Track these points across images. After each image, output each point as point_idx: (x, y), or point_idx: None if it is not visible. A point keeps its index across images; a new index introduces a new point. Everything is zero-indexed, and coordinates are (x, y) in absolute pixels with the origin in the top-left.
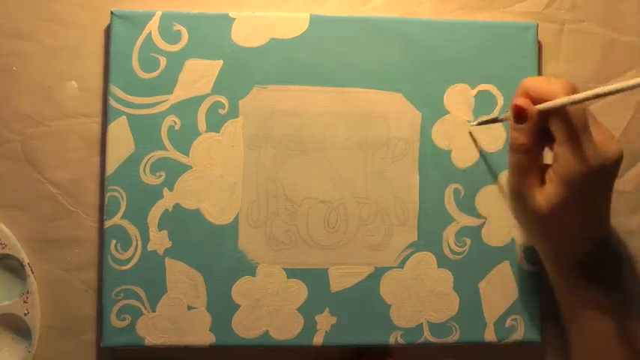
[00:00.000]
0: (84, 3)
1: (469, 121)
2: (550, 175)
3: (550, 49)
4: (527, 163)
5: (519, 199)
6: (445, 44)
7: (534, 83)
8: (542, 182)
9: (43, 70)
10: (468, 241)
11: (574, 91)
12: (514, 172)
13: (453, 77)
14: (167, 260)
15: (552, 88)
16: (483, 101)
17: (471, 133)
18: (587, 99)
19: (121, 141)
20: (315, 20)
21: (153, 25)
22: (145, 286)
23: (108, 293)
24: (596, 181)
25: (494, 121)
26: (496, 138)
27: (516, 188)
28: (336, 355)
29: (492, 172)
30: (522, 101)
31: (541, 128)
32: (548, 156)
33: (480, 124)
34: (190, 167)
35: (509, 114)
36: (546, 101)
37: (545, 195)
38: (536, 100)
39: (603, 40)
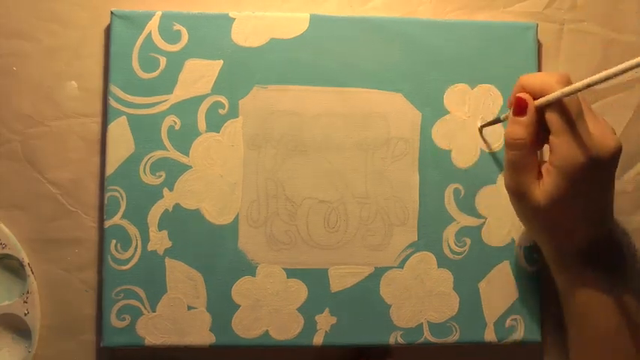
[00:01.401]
0: (84, 3)
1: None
2: (547, 167)
3: (550, 49)
4: (524, 159)
5: (518, 196)
6: (445, 44)
7: (530, 79)
8: (540, 177)
9: (43, 70)
10: (468, 241)
11: (568, 82)
12: (511, 169)
13: (453, 77)
14: (167, 260)
15: (547, 80)
16: (483, 101)
17: (481, 133)
18: (580, 89)
19: (121, 141)
20: (315, 20)
21: (153, 25)
22: (145, 286)
23: (108, 293)
24: (594, 172)
25: (497, 121)
26: (496, 138)
27: (514, 186)
28: (336, 355)
29: (492, 172)
30: (523, 94)
31: (538, 124)
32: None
33: (483, 126)
34: (190, 167)
35: (509, 113)
36: (543, 95)
37: (543, 188)
38: (533, 96)
39: (603, 40)
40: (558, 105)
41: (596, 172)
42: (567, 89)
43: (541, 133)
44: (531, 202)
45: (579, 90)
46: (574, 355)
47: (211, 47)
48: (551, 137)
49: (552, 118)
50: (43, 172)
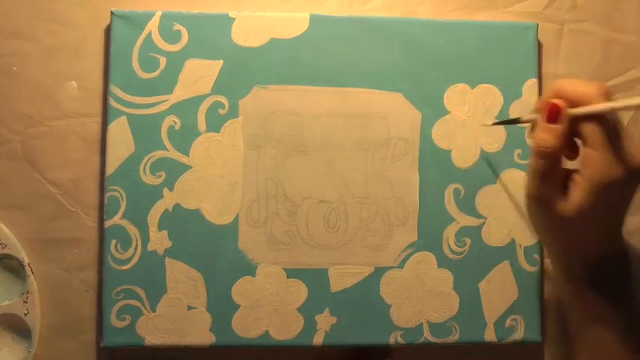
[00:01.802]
0: (84, 3)
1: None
2: (578, 180)
3: (550, 49)
4: (552, 168)
5: (540, 204)
6: (445, 44)
7: (569, 85)
8: (565, 188)
9: (43, 70)
10: (468, 241)
11: (609, 95)
12: (537, 177)
13: (453, 77)
14: (167, 260)
15: (587, 91)
16: (483, 101)
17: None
18: (630, 108)
19: (121, 141)
20: (315, 20)
21: (153, 25)
22: (145, 286)
23: (108, 293)
24: (626, 188)
25: (514, 122)
26: (496, 138)
27: (537, 193)
28: (336, 355)
29: (492, 172)
30: (559, 101)
31: (570, 134)
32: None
33: (497, 124)
34: (190, 167)
35: (533, 116)
36: (580, 104)
37: (571, 200)
38: (569, 103)
39: (603, 40)
40: (601, 118)
41: (628, 187)
42: (618, 105)
43: (571, 142)
44: (555, 212)
45: (630, 108)
46: None
47: (211, 47)
48: (587, 150)
49: (591, 131)
50: (43, 172)
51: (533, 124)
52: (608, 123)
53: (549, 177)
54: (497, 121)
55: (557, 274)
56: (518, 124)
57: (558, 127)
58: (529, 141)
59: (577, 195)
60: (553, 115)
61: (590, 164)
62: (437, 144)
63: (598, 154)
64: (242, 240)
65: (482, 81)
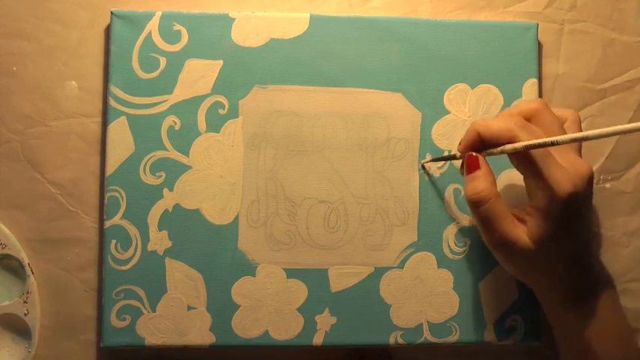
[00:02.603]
0: (84, 3)
1: (422, 163)
2: (528, 211)
3: (550, 49)
4: (496, 208)
5: (504, 247)
6: (445, 44)
7: (486, 127)
8: (519, 220)
9: (43, 70)
10: (468, 241)
11: (524, 121)
12: (488, 224)
13: (453, 77)
14: (167, 260)
15: (507, 127)
16: (483, 101)
17: (424, 168)
18: (543, 145)
19: (121, 141)
20: (315, 20)
21: (153, 25)
22: (145, 286)
23: (108, 293)
24: (574, 205)
25: (446, 158)
26: (438, 164)
27: (498, 238)
28: (336, 355)
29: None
30: (471, 153)
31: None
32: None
33: (428, 162)
34: (190, 167)
35: (458, 154)
36: (500, 140)
37: (530, 232)
38: (490, 142)
39: (603, 40)
40: (523, 152)
41: (576, 204)
42: (531, 143)
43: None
44: (520, 247)
45: (543, 145)
46: None
47: (211, 47)
48: (525, 181)
49: (520, 163)
50: (43, 172)
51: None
52: (535, 152)
53: (499, 217)
54: (433, 158)
55: (544, 308)
56: (454, 160)
57: (481, 172)
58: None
59: (532, 226)
60: (471, 166)
61: (531, 195)
62: (437, 144)
63: (533, 183)
64: (242, 240)
65: (483, 81)
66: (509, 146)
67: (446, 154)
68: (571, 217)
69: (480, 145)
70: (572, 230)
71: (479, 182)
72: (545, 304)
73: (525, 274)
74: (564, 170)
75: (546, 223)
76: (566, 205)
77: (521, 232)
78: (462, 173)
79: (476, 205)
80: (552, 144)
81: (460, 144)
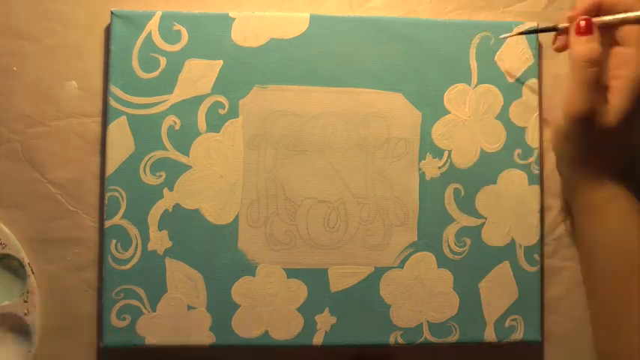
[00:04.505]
0: (84, 3)
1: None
2: (615, 85)
3: (550, 49)
4: (598, 76)
5: (588, 118)
6: (445, 44)
7: None
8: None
9: (43, 70)
10: (468, 241)
11: None
12: (586, 88)
13: (453, 77)
14: (167, 260)
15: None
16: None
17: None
18: None
19: (121, 141)
20: (315, 20)
21: (153, 25)
22: (145, 286)
23: (108, 293)
24: None
25: (535, 31)
26: (496, 138)
27: (588, 106)
28: (336, 355)
29: (492, 172)
30: (589, 18)
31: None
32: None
33: (518, 34)
34: (190, 167)
35: (566, 25)
36: (614, 10)
37: (612, 107)
38: (603, 10)
39: None
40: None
41: None
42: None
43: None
44: (601, 122)
45: None
46: (593, 284)
47: (211, 47)
48: (622, 49)
49: (627, 30)
50: (43, 172)
51: (556, 36)
52: None
53: (597, 85)
54: (518, 32)
55: (578, 187)
56: (537, 33)
57: (596, 36)
58: (555, 51)
59: (616, 99)
60: (589, 27)
61: (626, 62)
62: (437, 144)
63: (634, 51)
64: (242, 240)
65: (483, 81)
66: (621, 15)
67: (449, 150)
68: None
69: (595, 13)
70: None
71: (597, 44)
72: (582, 184)
73: (592, 150)
74: None
75: (632, 94)
76: None
77: (606, 107)
78: (556, 48)
79: (588, 64)
80: None
81: (573, 11)
